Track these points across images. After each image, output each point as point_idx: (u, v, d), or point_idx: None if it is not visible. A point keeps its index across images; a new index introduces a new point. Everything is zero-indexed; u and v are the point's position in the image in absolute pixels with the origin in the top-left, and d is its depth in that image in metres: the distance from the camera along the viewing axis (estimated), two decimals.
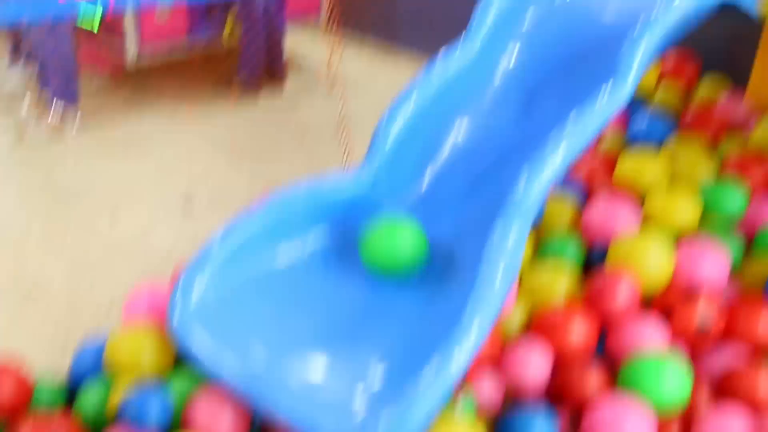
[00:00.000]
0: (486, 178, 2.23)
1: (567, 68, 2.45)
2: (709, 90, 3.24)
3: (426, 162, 2.27)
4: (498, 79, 2.46)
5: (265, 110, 3.52)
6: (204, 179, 3.01)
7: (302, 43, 4.47)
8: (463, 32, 2.45)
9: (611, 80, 2.11)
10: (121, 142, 3.00)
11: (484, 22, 2.44)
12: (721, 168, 2.73)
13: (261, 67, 4.14)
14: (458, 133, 2.34)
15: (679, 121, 3.03)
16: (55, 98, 3.78)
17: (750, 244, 2.44)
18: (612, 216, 2.33)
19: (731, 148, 2.86)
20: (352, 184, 2.13)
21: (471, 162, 2.28)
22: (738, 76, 3.34)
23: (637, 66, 2.14)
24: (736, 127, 3.04)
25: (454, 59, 2.34)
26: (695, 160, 2.71)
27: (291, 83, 4.20)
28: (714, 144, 2.92)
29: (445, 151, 2.30)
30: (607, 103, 2.07)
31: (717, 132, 2.96)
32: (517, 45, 2.51)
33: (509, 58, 2.50)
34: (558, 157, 1.97)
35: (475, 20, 2.43)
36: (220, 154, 2.97)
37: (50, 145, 2.73)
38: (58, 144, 3.00)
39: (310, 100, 3.40)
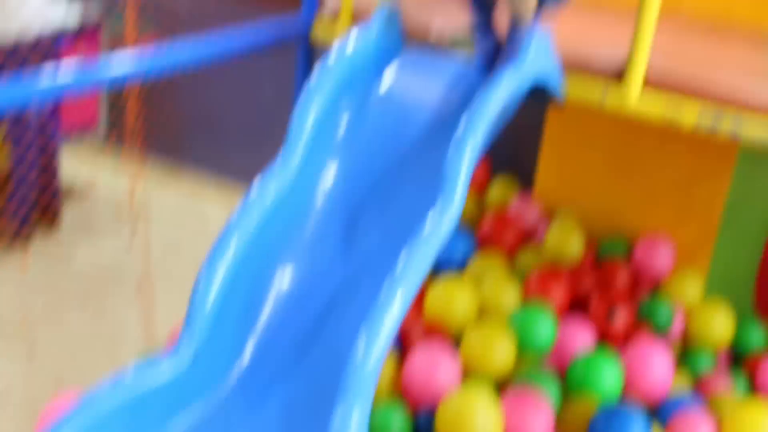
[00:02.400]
0: (315, 338, 1.97)
1: (388, 181, 2.16)
2: (500, 193, 3.25)
3: (248, 326, 1.98)
4: (319, 202, 2.15)
5: (38, 258, 3.05)
6: None
7: (79, 166, 3.97)
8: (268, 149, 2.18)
9: (439, 198, 1.85)
10: None
11: (301, 135, 2.09)
12: (525, 289, 2.71)
13: (33, 202, 3.55)
14: (281, 280, 2.04)
15: (476, 234, 3.00)
16: None
17: (563, 379, 2.43)
18: (433, 373, 2.22)
19: (529, 262, 2.86)
20: (168, 369, 1.81)
21: (297, 317, 1.99)
22: (525, 177, 3.38)
23: (465, 175, 1.89)
24: (529, 235, 3.06)
25: (271, 185, 2.01)
26: (500, 284, 2.65)
27: (69, 219, 3.68)
28: (512, 257, 2.92)
29: (269, 306, 2.00)
30: (438, 228, 1.81)
31: (513, 243, 2.97)
32: (336, 158, 2.19)
33: (329, 176, 2.18)
34: (395, 310, 1.72)
35: (292, 133, 2.08)
36: None
37: None
38: None
39: (92, 240, 3.00)
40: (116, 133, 3.75)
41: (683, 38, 2.78)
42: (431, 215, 1.83)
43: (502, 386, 2.35)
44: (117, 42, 4.37)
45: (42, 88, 2.14)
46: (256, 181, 1.99)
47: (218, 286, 1.87)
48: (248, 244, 1.94)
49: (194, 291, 1.86)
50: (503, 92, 1.95)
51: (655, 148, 3.10)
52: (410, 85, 2.21)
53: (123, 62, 2.33)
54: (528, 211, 3.12)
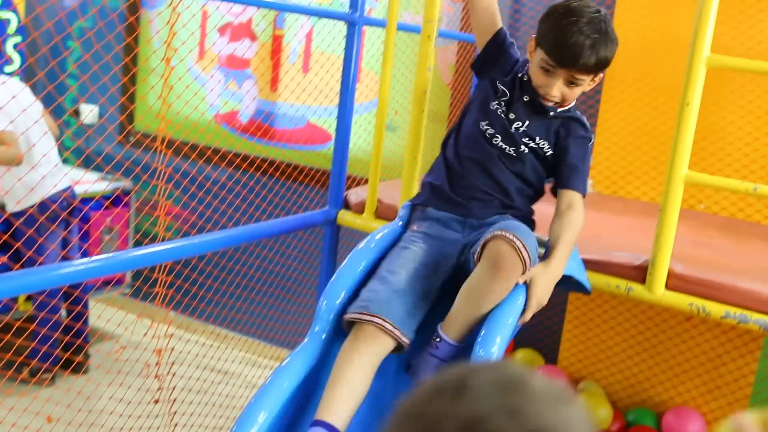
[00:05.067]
0: None
1: None
2: (523, 363, 3.30)
3: None
4: None
5: (64, 396, 3.14)
6: None
7: (108, 314, 3.98)
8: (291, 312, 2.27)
9: None
10: None
11: (330, 314, 2.13)
12: None
13: (59, 344, 3.67)
14: None
15: None
16: None
17: None
18: None
19: None
20: None
21: None
22: (548, 353, 3.45)
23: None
24: None
25: (299, 360, 2.07)
26: None
27: (95, 362, 3.83)
28: None
29: None
30: None
31: None
32: None
33: None
34: None
35: (321, 313, 2.13)
36: None
37: None
38: None
39: (117, 382, 3.07)
40: (142, 289, 3.88)
41: (702, 234, 2.89)
42: None
43: None
44: (145, 207, 4.54)
45: (73, 272, 2.22)
46: (290, 356, 2.08)
47: None
48: (275, 416, 1.99)
49: None
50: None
51: (680, 328, 3.18)
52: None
53: (159, 250, 2.43)
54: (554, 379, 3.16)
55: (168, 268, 2.87)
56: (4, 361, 2.48)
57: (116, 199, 4.37)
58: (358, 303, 2.04)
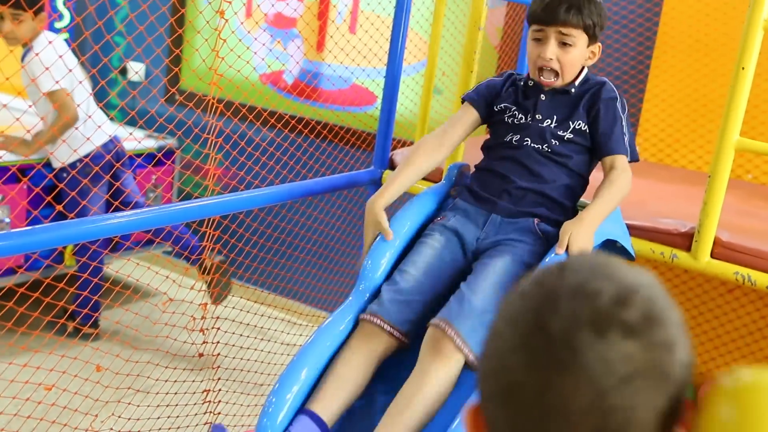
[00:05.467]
0: None
1: None
2: None
3: None
4: None
5: (107, 348, 3.23)
6: None
7: (146, 274, 4.15)
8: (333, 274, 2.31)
9: None
10: None
11: (375, 274, 2.19)
12: None
13: (100, 302, 3.79)
14: None
15: None
16: None
17: None
18: None
19: None
20: None
21: None
22: None
23: None
24: None
25: (344, 318, 2.10)
26: None
27: (133, 321, 3.90)
28: None
29: None
30: None
31: None
32: None
33: None
34: None
35: (366, 271, 2.18)
36: (52, 412, 2.65)
37: None
38: None
39: (153, 345, 3.17)
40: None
41: (748, 204, 2.86)
42: None
43: None
44: (187, 169, 4.59)
45: (123, 223, 2.27)
46: (333, 315, 2.10)
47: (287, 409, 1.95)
48: (317, 374, 2.03)
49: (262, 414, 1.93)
50: None
51: (721, 299, 3.15)
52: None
53: (206, 203, 2.47)
54: None
55: (216, 222, 2.91)
56: (53, 314, 2.54)
57: (160, 159, 4.42)
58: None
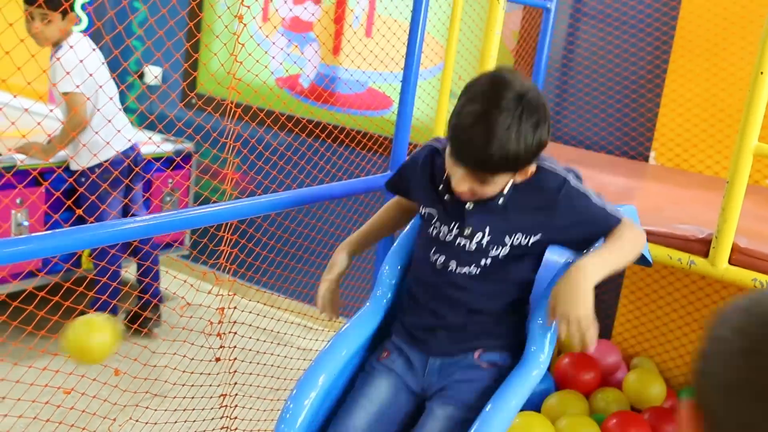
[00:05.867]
0: None
1: None
2: None
3: None
4: None
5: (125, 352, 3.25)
6: None
7: (166, 277, 4.25)
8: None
9: (526, 356, 1.87)
10: None
11: (391, 280, 2.15)
12: (603, 430, 2.73)
13: (118, 307, 3.87)
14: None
15: (552, 372, 3.04)
16: None
17: None
18: None
19: (608, 404, 2.90)
20: None
21: None
22: (602, 328, 3.42)
23: (551, 340, 1.90)
24: (607, 378, 3.10)
25: (361, 329, 2.09)
26: (578, 422, 2.71)
27: (158, 325, 4.02)
28: (588, 398, 2.95)
29: None
30: (523, 385, 1.84)
31: (592, 385, 3.00)
32: None
33: None
34: None
35: (381, 278, 2.15)
36: (71, 416, 2.67)
37: None
38: None
39: (171, 349, 3.19)
40: (200, 250, 3.98)
41: (767, 210, 2.84)
42: (516, 373, 1.87)
43: None
44: (205, 174, 4.61)
45: (141, 227, 2.28)
46: (350, 321, 2.11)
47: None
48: (334, 377, 2.02)
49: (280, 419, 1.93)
50: None
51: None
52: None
53: (222, 208, 2.47)
54: (607, 354, 3.17)
55: (233, 227, 2.92)
56: (73, 317, 2.56)
57: (178, 163, 4.44)
58: None
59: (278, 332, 3.59)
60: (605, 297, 3.42)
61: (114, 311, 3.80)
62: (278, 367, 3.40)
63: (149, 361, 2.93)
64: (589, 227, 1.85)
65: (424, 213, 1.94)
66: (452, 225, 1.86)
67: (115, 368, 2.50)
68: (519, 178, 1.77)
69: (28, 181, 3.69)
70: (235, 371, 2.98)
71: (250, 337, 3.20)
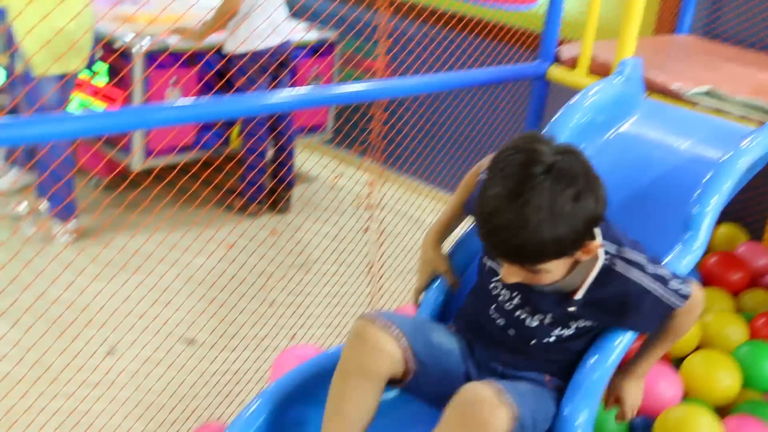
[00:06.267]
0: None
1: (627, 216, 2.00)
2: (725, 236, 3.24)
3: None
4: None
5: (269, 230, 3.39)
6: (206, 307, 2.92)
7: (309, 160, 4.41)
8: None
9: (683, 242, 1.85)
10: (118, 260, 2.80)
11: None
12: (751, 328, 2.69)
13: (264, 183, 4.04)
14: None
15: (699, 271, 2.99)
16: (50, 210, 3.62)
17: None
18: (654, 384, 2.29)
19: (756, 304, 2.85)
20: None
21: None
22: (753, 229, 3.33)
23: (709, 223, 1.91)
24: (756, 279, 3.03)
25: None
26: (725, 318, 2.70)
27: (297, 202, 4.15)
28: (736, 297, 2.90)
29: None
30: (678, 270, 1.76)
31: (739, 284, 2.95)
32: None
33: None
34: (626, 336, 1.70)
35: None
36: (222, 279, 2.82)
37: (43, 261, 2.53)
38: (50, 260, 2.78)
39: (317, 220, 3.30)
40: (342, 135, 4.06)
41: None
42: (673, 257, 1.82)
43: (721, 414, 2.35)
44: (349, 61, 4.65)
45: (283, 101, 2.35)
46: None
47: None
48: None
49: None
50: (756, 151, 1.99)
51: None
52: (653, 133, 2.24)
53: (367, 89, 2.48)
54: (757, 255, 3.10)
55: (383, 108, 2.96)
56: (222, 192, 2.68)
57: (321, 52, 4.50)
58: None
59: (418, 218, 3.64)
60: (758, 197, 3.29)
61: (260, 189, 3.95)
62: (417, 251, 3.45)
63: (295, 235, 3.04)
64: (657, 324, 1.71)
65: (486, 265, 1.71)
66: (514, 294, 1.66)
67: (273, 228, 2.61)
68: (583, 257, 1.53)
69: (181, 62, 3.82)
70: (383, 242, 3.07)
71: (390, 221, 3.25)
